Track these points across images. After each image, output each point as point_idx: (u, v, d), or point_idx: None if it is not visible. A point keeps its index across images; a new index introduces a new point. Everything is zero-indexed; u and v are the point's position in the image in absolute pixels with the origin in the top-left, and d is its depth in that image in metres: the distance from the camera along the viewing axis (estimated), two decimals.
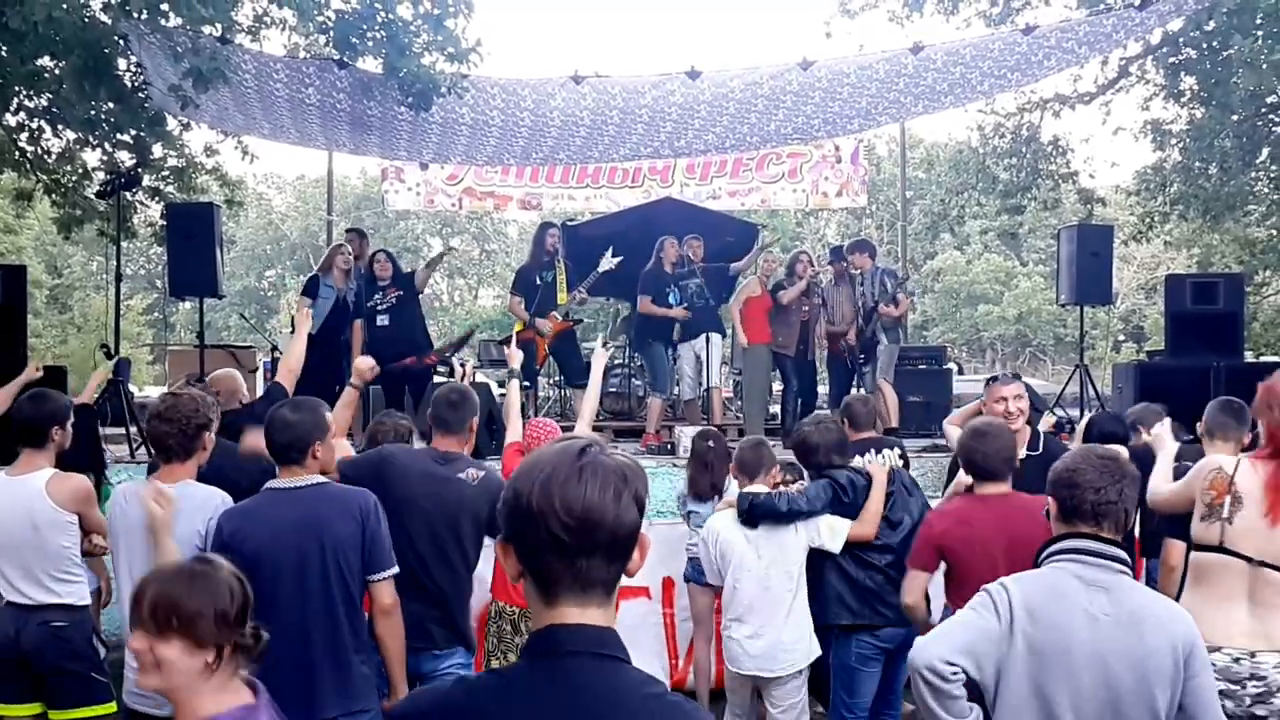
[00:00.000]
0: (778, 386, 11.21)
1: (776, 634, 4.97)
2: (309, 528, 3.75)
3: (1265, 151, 14.37)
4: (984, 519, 4.17)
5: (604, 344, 5.40)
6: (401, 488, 4.39)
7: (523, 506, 1.58)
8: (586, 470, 1.57)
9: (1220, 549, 3.71)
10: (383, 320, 9.63)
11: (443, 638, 4.39)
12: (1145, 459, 4.37)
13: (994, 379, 5.64)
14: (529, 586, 1.63)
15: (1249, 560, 3.65)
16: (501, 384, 13.41)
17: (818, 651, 5.06)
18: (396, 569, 3.91)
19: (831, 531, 4.97)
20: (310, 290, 9.86)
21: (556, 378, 11.52)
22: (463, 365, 5.42)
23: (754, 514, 5.00)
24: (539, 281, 9.60)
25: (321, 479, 3.93)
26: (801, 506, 4.96)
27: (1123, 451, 4.95)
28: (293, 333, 5.87)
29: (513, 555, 1.62)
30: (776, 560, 4.99)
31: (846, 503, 5.05)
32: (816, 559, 5.05)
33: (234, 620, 2.42)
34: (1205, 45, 12.81)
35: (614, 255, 9.41)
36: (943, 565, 4.35)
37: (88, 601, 4.65)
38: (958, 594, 4.16)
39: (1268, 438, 3.79)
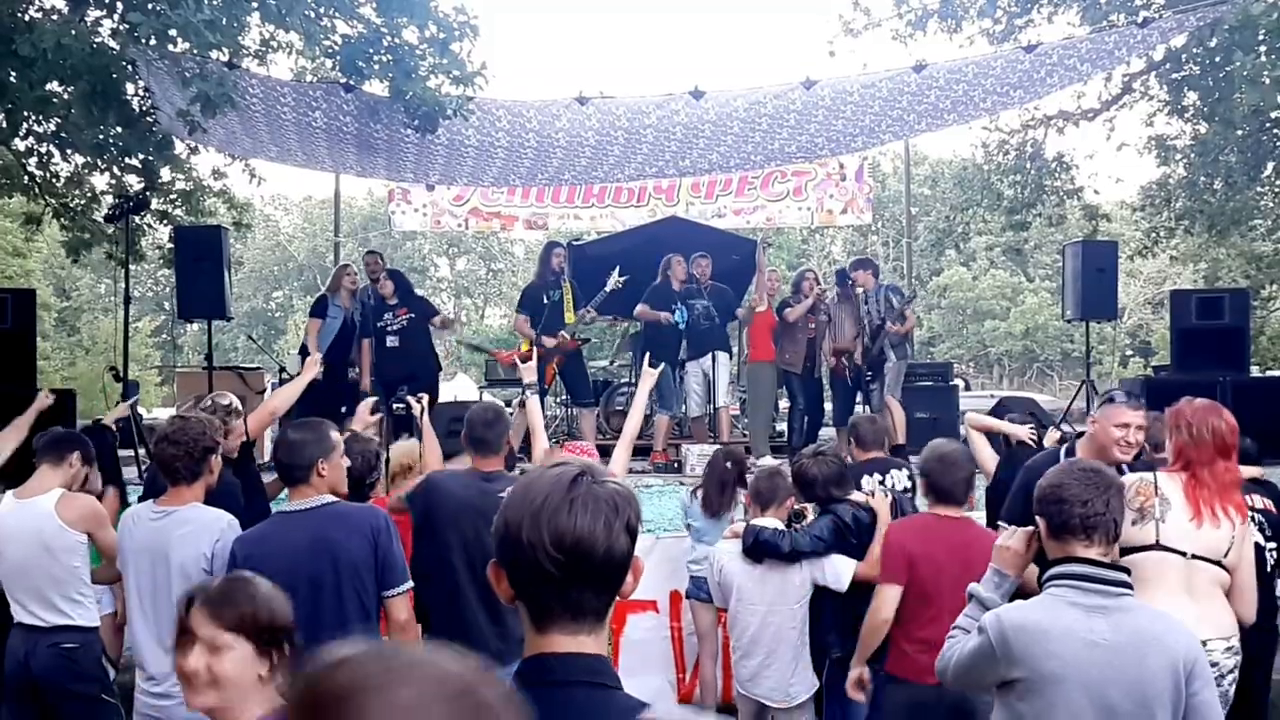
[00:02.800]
0: (784, 404, 11.21)
1: (782, 670, 4.98)
2: (321, 548, 3.78)
3: (1270, 166, 14.37)
4: (942, 539, 4.32)
5: (650, 364, 5.37)
6: (447, 511, 4.57)
7: (513, 536, 1.58)
8: (578, 502, 1.57)
9: (1157, 546, 3.88)
10: (392, 341, 9.70)
11: (508, 651, 4.49)
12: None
13: (1111, 398, 4.63)
14: (521, 610, 1.63)
15: (1183, 555, 3.86)
16: (508, 403, 13.44)
17: (817, 683, 5.07)
18: (411, 584, 3.94)
19: (837, 572, 4.97)
20: (319, 310, 9.93)
21: (563, 396, 11.53)
22: (419, 400, 5.42)
23: (757, 550, 4.98)
24: (545, 300, 9.61)
25: (330, 499, 3.95)
26: (804, 548, 4.93)
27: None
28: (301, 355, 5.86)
29: (505, 580, 1.63)
30: (778, 597, 4.99)
31: (853, 543, 5.02)
32: (817, 590, 5.05)
33: (286, 630, 2.48)
34: (1208, 61, 12.82)
35: (621, 274, 9.41)
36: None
37: (96, 623, 4.67)
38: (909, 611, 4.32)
39: (1175, 454, 4.09)
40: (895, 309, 9.29)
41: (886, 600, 4.35)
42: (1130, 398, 4.57)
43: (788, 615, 4.97)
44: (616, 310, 11.19)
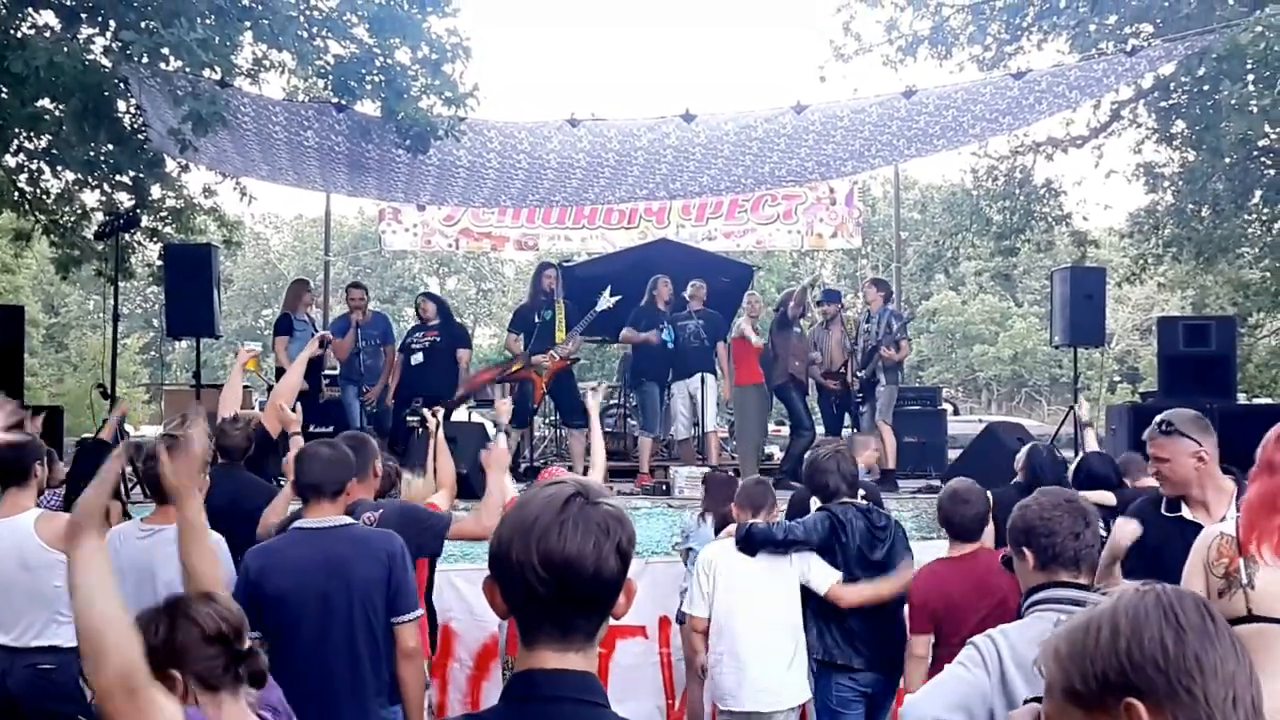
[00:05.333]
0: (772, 427, 11.20)
1: (777, 671, 4.94)
2: (334, 569, 3.74)
3: (1257, 194, 14.45)
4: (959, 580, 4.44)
5: (595, 386, 5.39)
6: None
7: (504, 555, 1.60)
8: (569, 523, 1.58)
9: (1250, 618, 3.05)
10: (417, 359, 9.84)
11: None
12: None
13: None
14: (516, 625, 1.65)
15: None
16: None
17: (809, 693, 5.05)
18: (421, 612, 3.91)
19: (820, 573, 4.97)
20: (284, 328, 9.98)
21: (553, 417, 11.51)
22: (434, 415, 5.38)
23: (752, 541, 4.98)
24: (537, 320, 9.65)
25: (349, 520, 3.93)
26: (799, 536, 4.95)
27: (1109, 497, 5.00)
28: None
29: (498, 596, 1.64)
30: (771, 592, 4.98)
31: (843, 541, 5.01)
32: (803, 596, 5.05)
33: (168, 651, 2.44)
34: (1196, 90, 12.91)
35: (612, 294, 9.42)
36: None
37: (74, 643, 4.61)
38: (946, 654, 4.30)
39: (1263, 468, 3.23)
40: (892, 334, 9.32)
41: (918, 646, 4.53)
42: None
43: (783, 611, 4.97)
44: (608, 331, 11.20)
